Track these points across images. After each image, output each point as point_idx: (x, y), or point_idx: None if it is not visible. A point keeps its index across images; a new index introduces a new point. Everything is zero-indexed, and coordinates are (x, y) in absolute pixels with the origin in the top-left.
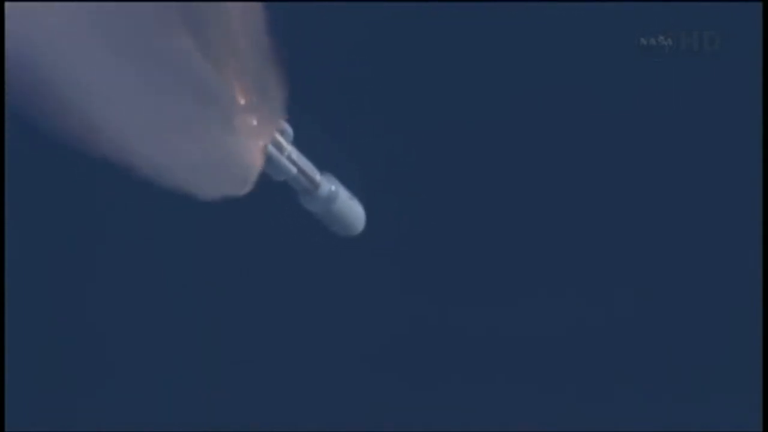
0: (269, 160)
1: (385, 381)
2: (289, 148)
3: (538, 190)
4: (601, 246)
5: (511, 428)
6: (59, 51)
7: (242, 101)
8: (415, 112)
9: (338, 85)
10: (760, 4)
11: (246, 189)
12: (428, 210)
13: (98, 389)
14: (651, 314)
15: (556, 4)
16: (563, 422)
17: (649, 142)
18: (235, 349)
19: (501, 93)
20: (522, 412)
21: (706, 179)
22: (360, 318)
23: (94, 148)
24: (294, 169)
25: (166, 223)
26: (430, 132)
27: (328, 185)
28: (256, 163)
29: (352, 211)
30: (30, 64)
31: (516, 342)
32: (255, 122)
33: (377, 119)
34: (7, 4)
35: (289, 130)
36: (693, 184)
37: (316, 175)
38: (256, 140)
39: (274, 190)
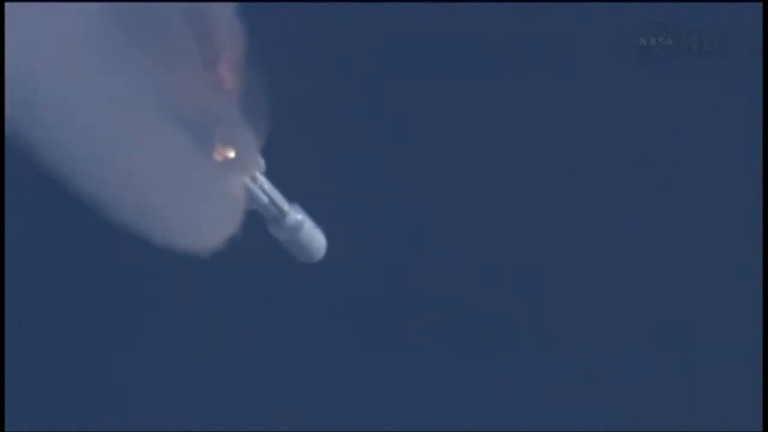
0: (245, 190)
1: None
2: (261, 179)
3: (539, 190)
4: (601, 246)
5: (512, 427)
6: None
7: (223, 135)
8: (406, 115)
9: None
10: (760, 4)
11: (237, 224)
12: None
13: (98, 389)
14: (651, 315)
15: (556, 4)
16: (564, 422)
17: (649, 142)
18: (235, 352)
19: (501, 93)
20: (522, 412)
21: (706, 178)
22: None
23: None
24: (265, 199)
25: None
26: (423, 137)
27: (295, 215)
28: (241, 197)
29: (315, 239)
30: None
31: (516, 342)
32: (234, 155)
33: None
34: None
35: (262, 161)
36: (693, 183)
37: (285, 205)
38: (238, 174)
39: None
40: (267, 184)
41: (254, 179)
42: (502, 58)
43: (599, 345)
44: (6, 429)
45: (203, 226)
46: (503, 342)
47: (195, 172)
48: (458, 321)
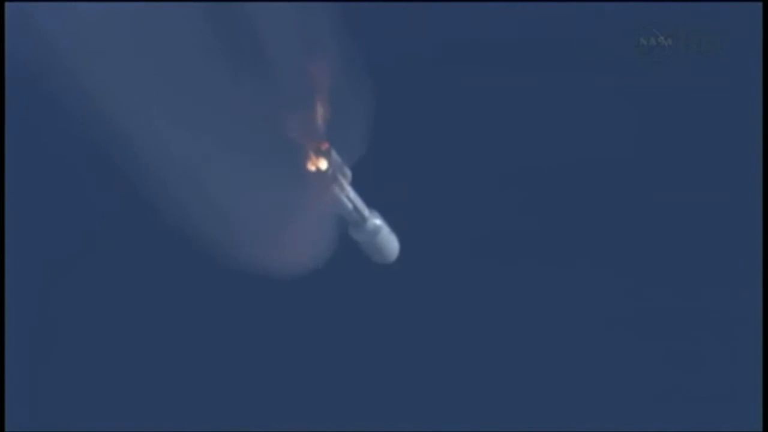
0: (333, 199)
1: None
2: (348, 187)
3: (539, 190)
4: (601, 245)
5: (512, 428)
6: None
7: (316, 146)
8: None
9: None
10: (760, 4)
11: (332, 242)
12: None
13: (98, 389)
14: (651, 315)
15: (556, 4)
16: (564, 422)
17: (649, 142)
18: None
19: (501, 92)
20: (522, 412)
21: (706, 178)
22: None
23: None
24: (350, 205)
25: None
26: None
27: (374, 220)
28: (331, 214)
29: (390, 243)
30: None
31: (517, 343)
32: (326, 166)
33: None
34: None
35: (349, 171)
36: (693, 182)
37: (366, 211)
38: (329, 184)
39: None
40: (352, 192)
41: (341, 187)
42: (502, 58)
43: (600, 344)
44: (6, 429)
45: (300, 243)
46: (502, 342)
47: (290, 184)
48: (458, 321)
